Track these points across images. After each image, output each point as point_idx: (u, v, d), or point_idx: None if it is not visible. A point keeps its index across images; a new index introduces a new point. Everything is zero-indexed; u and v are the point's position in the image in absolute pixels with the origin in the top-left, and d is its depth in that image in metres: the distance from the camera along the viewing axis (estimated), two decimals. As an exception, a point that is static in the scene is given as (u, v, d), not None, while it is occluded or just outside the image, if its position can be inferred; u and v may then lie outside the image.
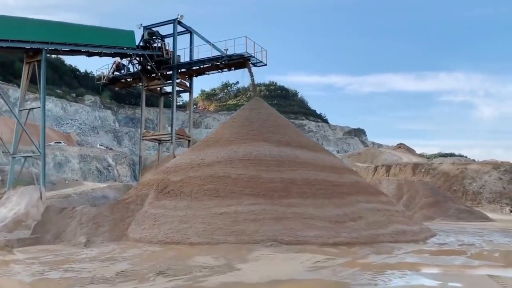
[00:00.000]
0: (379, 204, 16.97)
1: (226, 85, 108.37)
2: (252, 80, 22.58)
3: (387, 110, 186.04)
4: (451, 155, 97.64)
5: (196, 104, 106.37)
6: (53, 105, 79.10)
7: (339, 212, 15.22)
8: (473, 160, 69.77)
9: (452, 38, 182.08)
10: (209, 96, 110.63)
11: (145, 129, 25.66)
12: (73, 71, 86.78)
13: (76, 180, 42.59)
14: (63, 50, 19.85)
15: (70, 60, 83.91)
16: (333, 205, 15.46)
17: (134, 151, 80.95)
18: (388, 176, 50.40)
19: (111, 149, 74.95)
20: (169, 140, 23.80)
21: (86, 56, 20.91)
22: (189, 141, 24.72)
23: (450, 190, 44.57)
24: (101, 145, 78.30)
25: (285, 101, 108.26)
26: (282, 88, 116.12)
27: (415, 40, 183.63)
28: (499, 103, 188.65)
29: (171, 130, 23.35)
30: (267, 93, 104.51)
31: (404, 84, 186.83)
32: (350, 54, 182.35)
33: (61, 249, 13.10)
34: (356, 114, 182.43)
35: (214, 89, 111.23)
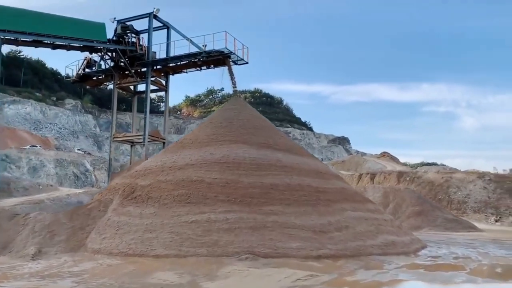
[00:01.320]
0: (367, 213, 15.59)
1: (211, 91, 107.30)
2: (233, 79, 21.10)
3: (371, 119, 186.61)
4: (434, 164, 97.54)
5: (180, 110, 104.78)
6: (32, 108, 76.62)
7: (323, 221, 13.77)
8: (456, 169, 69.42)
9: (436, 50, 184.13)
10: (193, 102, 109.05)
11: (117, 131, 23.90)
12: (54, 74, 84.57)
13: (51, 186, 40.38)
14: (23, 41, 18.01)
15: (50, 63, 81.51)
16: (317, 214, 14.01)
17: (115, 156, 78.69)
18: (373, 184, 49.41)
19: (89, 153, 72.58)
20: (141, 142, 22.12)
21: (51, 48, 19.16)
22: (163, 143, 23.05)
23: (435, 199, 43.70)
24: (79, 149, 75.87)
25: (270, 108, 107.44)
26: (267, 96, 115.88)
27: (399, 51, 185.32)
28: (480, 114, 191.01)
29: (144, 131, 21.68)
30: (252, 100, 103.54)
31: (388, 94, 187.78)
32: (335, 64, 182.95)
33: (4, 262, 11.33)
34: (341, 123, 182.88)
35: (199, 95, 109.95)
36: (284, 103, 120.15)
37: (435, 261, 12.37)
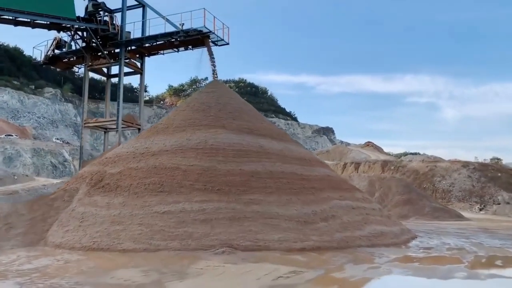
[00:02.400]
0: (355, 202, 14.60)
1: (194, 81, 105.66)
2: (212, 61, 19.76)
3: (355, 110, 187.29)
4: (416, 154, 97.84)
5: (163, 100, 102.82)
6: (9, 96, 74.18)
7: (308, 210, 12.71)
8: (441, 158, 69.42)
9: (419, 42, 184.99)
10: (177, 91, 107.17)
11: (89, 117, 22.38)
12: (36, 64, 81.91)
13: (27, 176, 38.67)
14: (-22, 16, 16.38)
15: (29, 51, 78.65)
16: (302, 203, 12.94)
17: (96, 146, 76.70)
18: (358, 173, 48.83)
19: (68, 143, 70.53)
20: (114, 128, 20.68)
21: (13, 25, 17.51)
22: (139, 129, 21.66)
23: (420, 187, 43.29)
24: (57, 139, 73.72)
25: (255, 98, 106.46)
26: (251, 85, 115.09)
27: (383, 43, 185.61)
28: (462, 105, 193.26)
29: (117, 116, 20.26)
30: (236, 89, 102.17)
31: (373, 85, 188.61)
32: (321, 55, 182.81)
33: None
34: (326, 113, 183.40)
35: (182, 85, 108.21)
36: (269, 93, 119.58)
37: (428, 253, 11.45)
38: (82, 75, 26.58)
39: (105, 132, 22.79)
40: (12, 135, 64.39)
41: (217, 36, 19.74)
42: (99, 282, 7.31)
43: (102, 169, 14.52)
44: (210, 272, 8.04)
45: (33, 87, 77.93)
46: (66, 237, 11.63)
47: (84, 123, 21.55)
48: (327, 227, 12.30)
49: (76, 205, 13.06)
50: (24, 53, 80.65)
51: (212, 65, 19.88)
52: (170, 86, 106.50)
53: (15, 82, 74.96)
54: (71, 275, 7.84)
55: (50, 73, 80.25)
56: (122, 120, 20.42)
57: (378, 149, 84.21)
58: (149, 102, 71.08)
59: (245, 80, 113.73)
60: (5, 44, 78.01)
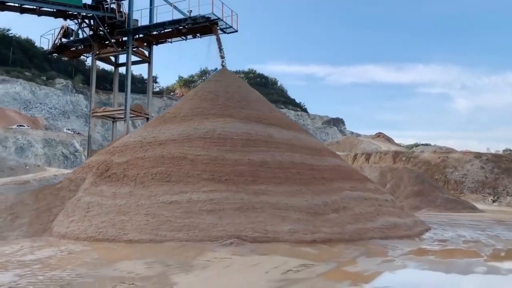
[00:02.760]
0: (366, 192, 14.18)
1: (204, 72, 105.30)
2: (220, 49, 19.34)
3: (366, 100, 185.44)
4: (427, 145, 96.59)
5: (174, 91, 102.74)
6: (22, 88, 74.62)
7: (318, 201, 12.35)
8: (453, 149, 68.37)
9: (431, 31, 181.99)
10: (187, 82, 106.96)
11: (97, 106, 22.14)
12: (44, 53, 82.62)
13: (38, 166, 38.81)
14: (-17, 2, 16.14)
15: (40, 42, 78.89)
16: (312, 193, 12.57)
17: (107, 136, 76.93)
18: (368, 164, 48.24)
19: (79, 133, 70.85)
20: (122, 117, 20.42)
21: (19, 12, 17.25)
22: (147, 119, 21.38)
23: (432, 179, 42.63)
24: (68, 129, 74.10)
25: (264, 89, 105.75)
26: (261, 76, 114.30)
27: (395, 32, 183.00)
28: (474, 95, 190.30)
29: (125, 105, 19.98)
30: (246, 80, 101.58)
31: (384, 76, 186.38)
32: (331, 45, 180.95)
33: (-48, 249, 9.82)
34: (336, 104, 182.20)
35: (192, 76, 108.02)
36: (279, 84, 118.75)
37: (444, 245, 11.03)
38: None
39: (113, 122, 22.59)
40: (23, 126, 64.80)
41: (226, 23, 19.30)
42: (101, 274, 7.05)
43: (109, 159, 14.28)
44: (216, 265, 7.73)
45: (44, 78, 78.41)
46: (71, 227, 11.42)
47: (92, 113, 21.33)
48: (339, 219, 11.93)
49: (82, 195, 12.85)
50: (35, 45, 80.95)
51: (220, 53, 19.47)
52: (180, 77, 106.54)
53: (27, 73, 75.46)
54: (73, 266, 7.59)
55: (61, 64, 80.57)
56: (130, 110, 20.15)
57: (389, 140, 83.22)
58: (160, 93, 71.07)
59: (255, 71, 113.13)
60: (16, 36, 78.38)
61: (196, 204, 11.43)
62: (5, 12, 17.19)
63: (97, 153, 16.60)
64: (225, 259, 8.22)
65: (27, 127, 65.41)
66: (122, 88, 23.47)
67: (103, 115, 22.22)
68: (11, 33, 77.32)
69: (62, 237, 11.08)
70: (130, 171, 13.09)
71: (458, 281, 7.10)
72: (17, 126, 63.98)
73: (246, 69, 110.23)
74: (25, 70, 76.17)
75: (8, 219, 11.89)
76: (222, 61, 19.55)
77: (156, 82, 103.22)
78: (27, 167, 32.72)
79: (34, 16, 17.60)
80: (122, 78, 24.54)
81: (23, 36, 79.85)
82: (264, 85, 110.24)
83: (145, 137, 14.79)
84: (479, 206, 30.95)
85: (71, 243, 10.41)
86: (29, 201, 12.72)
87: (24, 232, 11.50)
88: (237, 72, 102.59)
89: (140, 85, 78.54)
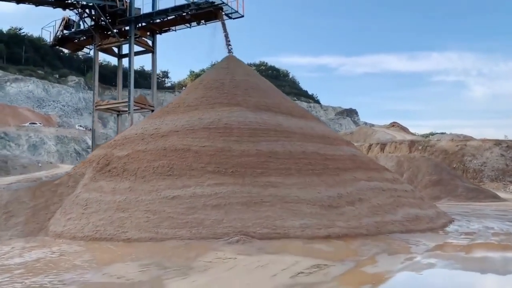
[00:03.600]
0: (384, 183, 13.19)
1: (215, 64, 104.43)
2: (226, 35, 18.40)
3: (379, 90, 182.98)
4: (443, 134, 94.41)
5: (185, 86, 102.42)
6: (35, 86, 75.05)
7: (332, 193, 11.41)
8: (471, 137, 66.54)
9: (445, 18, 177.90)
10: (198, 77, 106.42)
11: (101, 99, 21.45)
12: (56, 51, 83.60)
13: (51, 163, 38.58)
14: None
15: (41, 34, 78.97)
16: (325, 185, 11.64)
17: (115, 130, 76.94)
18: (384, 154, 46.96)
19: (90, 130, 70.83)
20: (126, 110, 19.68)
21: (15, 3, 16.54)
22: (152, 111, 20.61)
23: (450, 168, 41.38)
24: (80, 126, 74.22)
25: (276, 81, 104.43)
26: (273, 68, 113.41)
27: (408, 20, 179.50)
28: (491, 82, 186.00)
29: (129, 97, 19.25)
30: (257, 73, 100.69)
31: (397, 65, 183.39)
32: (343, 35, 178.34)
33: None
34: (349, 95, 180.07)
35: (203, 70, 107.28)
36: (291, 76, 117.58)
37: (472, 239, 10.01)
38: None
39: (118, 115, 21.93)
40: (36, 123, 64.99)
41: (231, 8, 18.39)
42: (87, 280, 6.26)
43: (109, 152, 13.53)
44: (218, 267, 6.88)
45: (57, 76, 78.88)
46: (68, 226, 10.71)
47: (96, 106, 20.67)
48: (355, 212, 10.99)
49: (80, 191, 12.13)
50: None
51: (226, 40, 18.54)
52: (192, 72, 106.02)
53: (40, 72, 75.90)
54: (59, 271, 6.82)
55: (73, 62, 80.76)
56: (134, 102, 19.41)
57: (404, 129, 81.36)
58: (171, 88, 70.77)
59: (266, 63, 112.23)
60: (29, 34, 78.61)
61: (200, 199, 10.60)
62: (7, 7, 16.54)
63: (99, 147, 15.90)
64: (229, 260, 7.37)
65: (39, 124, 65.58)
66: (127, 81, 22.83)
67: (107, 108, 21.56)
68: (23, 32, 77.57)
69: (58, 237, 10.37)
70: (130, 165, 12.31)
71: (498, 283, 6.12)
72: (29, 124, 64.18)
73: (257, 62, 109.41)
74: (37, 69, 76.65)
75: (2, 218, 11.27)
76: (229, 48, 18.63)
77: (167, 77, 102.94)
78: (40, 165, 32.49)
79: (44, 13, 17.08)
80: (127, 70, 23.83)
81: (35, 34, 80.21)
82: (276, 77, 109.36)
83: (146, 129, 14.00)
84: (501, 195, 29.69)
85: (66, 243, 9.69)
86: (25, 199, 12.06)
87: (19, 232, 10.83)
88: (249, 65, 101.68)
89: (148, 80, 78.49)
